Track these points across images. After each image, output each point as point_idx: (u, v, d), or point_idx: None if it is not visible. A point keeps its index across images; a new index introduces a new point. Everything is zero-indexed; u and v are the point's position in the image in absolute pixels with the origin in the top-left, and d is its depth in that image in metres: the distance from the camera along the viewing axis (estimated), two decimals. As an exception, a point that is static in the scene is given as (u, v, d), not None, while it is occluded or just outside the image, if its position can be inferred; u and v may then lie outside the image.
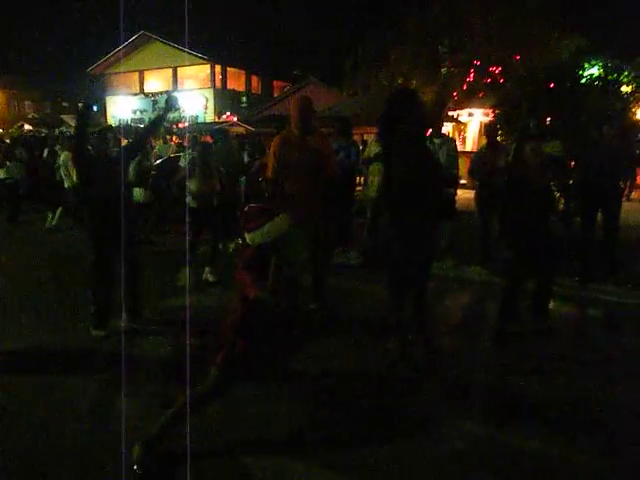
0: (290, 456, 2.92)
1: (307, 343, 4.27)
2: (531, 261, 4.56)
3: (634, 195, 13.07)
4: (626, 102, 8.84)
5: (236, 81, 34.91)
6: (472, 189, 7.06)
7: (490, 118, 10.33)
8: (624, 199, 7.02)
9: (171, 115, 21.67)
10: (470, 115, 18.87)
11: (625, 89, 9.15)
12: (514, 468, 2.87)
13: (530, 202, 4.47)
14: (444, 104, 17.51)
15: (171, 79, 34.01)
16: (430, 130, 6.36)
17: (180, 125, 25.36)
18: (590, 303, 5.58)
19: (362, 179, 8.81)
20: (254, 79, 36.62)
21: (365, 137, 16.52)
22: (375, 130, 6.92)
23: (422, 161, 3.78)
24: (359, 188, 9.31)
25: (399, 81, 19.29)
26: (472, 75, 18.41)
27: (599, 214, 6.10)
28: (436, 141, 6.54)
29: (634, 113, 8.99)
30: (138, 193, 7.78)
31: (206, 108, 32.42)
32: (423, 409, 3.44)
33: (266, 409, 3.32)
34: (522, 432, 3.18)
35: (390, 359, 3.96)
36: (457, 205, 6.86)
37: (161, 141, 13.71)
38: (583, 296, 5.69)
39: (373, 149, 6.48)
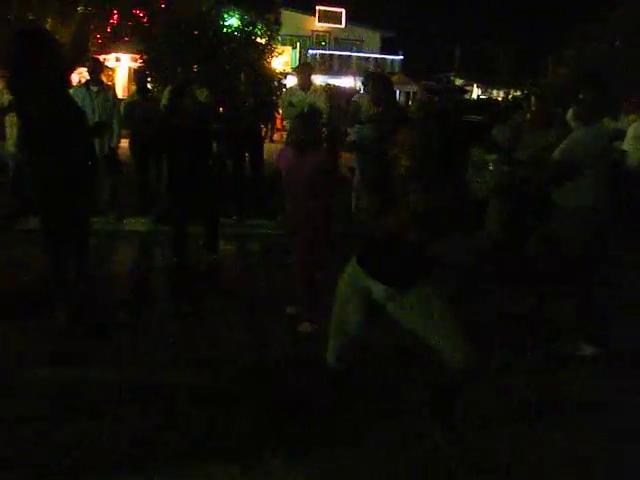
0: None
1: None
2: (194, 206, 4.87)
3: (276, 137, 14.63)
4: (261, 52, 9.73)
5: None
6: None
7: (139, 64, 10.07)
8: (267, 141, 7.91)
9: None
10: (117, 60, 18.03)
11: (260, 40, 10.01)
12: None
13: (186, 147, 4.70)
14: (84, 47, 16.17)
15: None
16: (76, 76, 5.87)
17: None
18: (248, 238, 6.18)
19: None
20: None
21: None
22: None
23: (64, 109, 3.46)
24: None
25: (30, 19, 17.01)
26: (116, 17, 17.46)
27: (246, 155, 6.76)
28: (93, 89, 6.11)
29: (269, 62, 9.92)
30: None
31: None
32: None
33: None
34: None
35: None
36: (120, 157, 6.71)
37: None
38: (243, 232, 6.25)
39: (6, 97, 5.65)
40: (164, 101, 6.33)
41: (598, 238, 3.74)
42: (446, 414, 2.76)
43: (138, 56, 9.98)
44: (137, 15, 16.04)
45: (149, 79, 8.47)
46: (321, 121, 6.54)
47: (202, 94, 6.23)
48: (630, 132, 6.78)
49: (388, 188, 2.57)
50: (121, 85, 18.58)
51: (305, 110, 6.17)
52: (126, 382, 3.16)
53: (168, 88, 6.44)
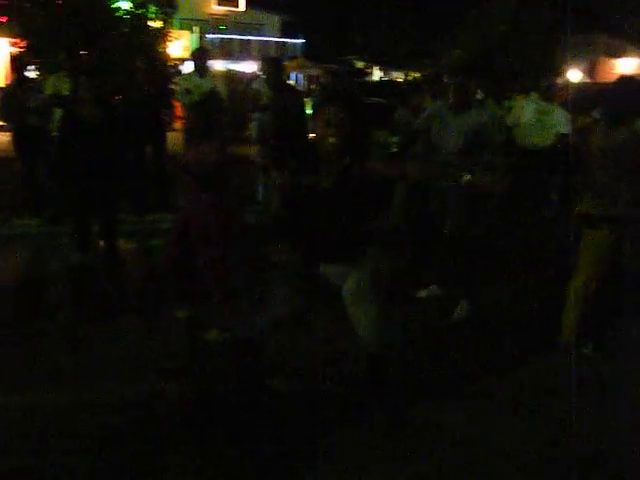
0: None
1: None
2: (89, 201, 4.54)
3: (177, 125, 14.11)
4: (155, 37, 9.24)
5: None
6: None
7: (20, 50, 9.26)
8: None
9: None
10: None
11: (154, 25, 9.50)
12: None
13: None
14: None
15: None
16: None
17: None
18: (150, 234, 5.84)
19: None
20: None
21: None
22: None
23: None
24: None
25: None
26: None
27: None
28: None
29: (164, 47, 9.44)
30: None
31: None
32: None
33: None
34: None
35: None
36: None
37: None
38: (144, 228, 5.92)
39: None
40: (49, 90, 5.86)
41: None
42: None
43: (19, 40, 9.14)
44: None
45: (34, 67, 7.84)
46: (219, 107, 6.30)
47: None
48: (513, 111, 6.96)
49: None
50: (2, 73, 17.17)
51: (201, 98, 5.91)
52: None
53: (52, 76, 5.97)
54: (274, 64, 5.61)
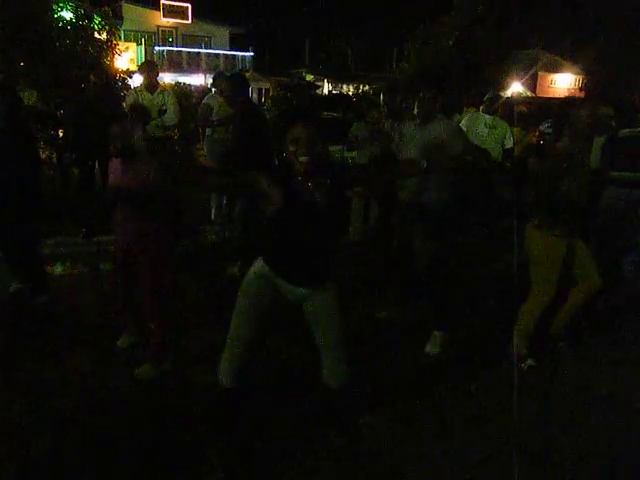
0: None
1: None
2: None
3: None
4: (102, 50, 8.92)
5: None
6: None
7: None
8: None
9: None
10: None
11: (100, 36, 9.19)
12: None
13: None
14: None
15: None
16: None
17: None
18: (98, 256, 5.57)
19: None
20: None
21: None
22: None
23: None
24: None
25: None
26: None
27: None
28: None
29: (110, 60, 9.13)
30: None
31: None
32: None
33: None
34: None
35: None
36: None
37: None
38: (91, 250, 5.65)
39: None
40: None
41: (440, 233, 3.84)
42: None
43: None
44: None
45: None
46: (151, 122, 6.10)
47: (31, 97, 5.50)
48: (463, 124, 7.01)
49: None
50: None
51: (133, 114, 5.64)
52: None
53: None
54: (239, 79, 5.29)
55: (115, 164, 3.40)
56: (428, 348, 3.85)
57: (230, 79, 5.32)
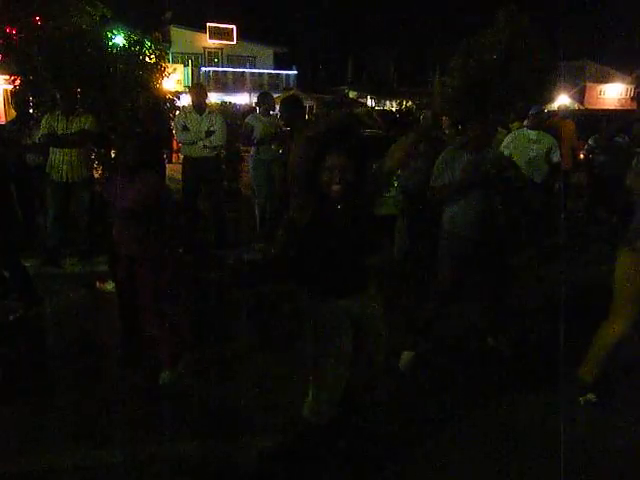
0: None
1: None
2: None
3: (173, 158, 14.14)
4: (151, 72, 9.27)
5: None
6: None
7: (15, 87, 9.25)
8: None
9: None
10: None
11: (150, 60, 9.56)
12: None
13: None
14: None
15: None
16: None
17: None
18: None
19: None
20: None
21: None
22: None
23: None
24: None
25: None
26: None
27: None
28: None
29: (159, 82, 9.47)
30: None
31: None
32: None
33: None
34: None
35: None
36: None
37: None
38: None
39: None
40: (44, 129, 5.82)
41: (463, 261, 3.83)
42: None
43: (16, 77, 9.13)
44: (9, 33, 14.85)
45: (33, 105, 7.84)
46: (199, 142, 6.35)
47: (87, 121, 5.76)
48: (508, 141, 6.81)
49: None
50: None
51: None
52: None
53: (47, 115, 5.94)
54: (294, 101, 5.21)
55: (116, 181, 3.54)
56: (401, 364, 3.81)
57: (286, 101, 5.23)
